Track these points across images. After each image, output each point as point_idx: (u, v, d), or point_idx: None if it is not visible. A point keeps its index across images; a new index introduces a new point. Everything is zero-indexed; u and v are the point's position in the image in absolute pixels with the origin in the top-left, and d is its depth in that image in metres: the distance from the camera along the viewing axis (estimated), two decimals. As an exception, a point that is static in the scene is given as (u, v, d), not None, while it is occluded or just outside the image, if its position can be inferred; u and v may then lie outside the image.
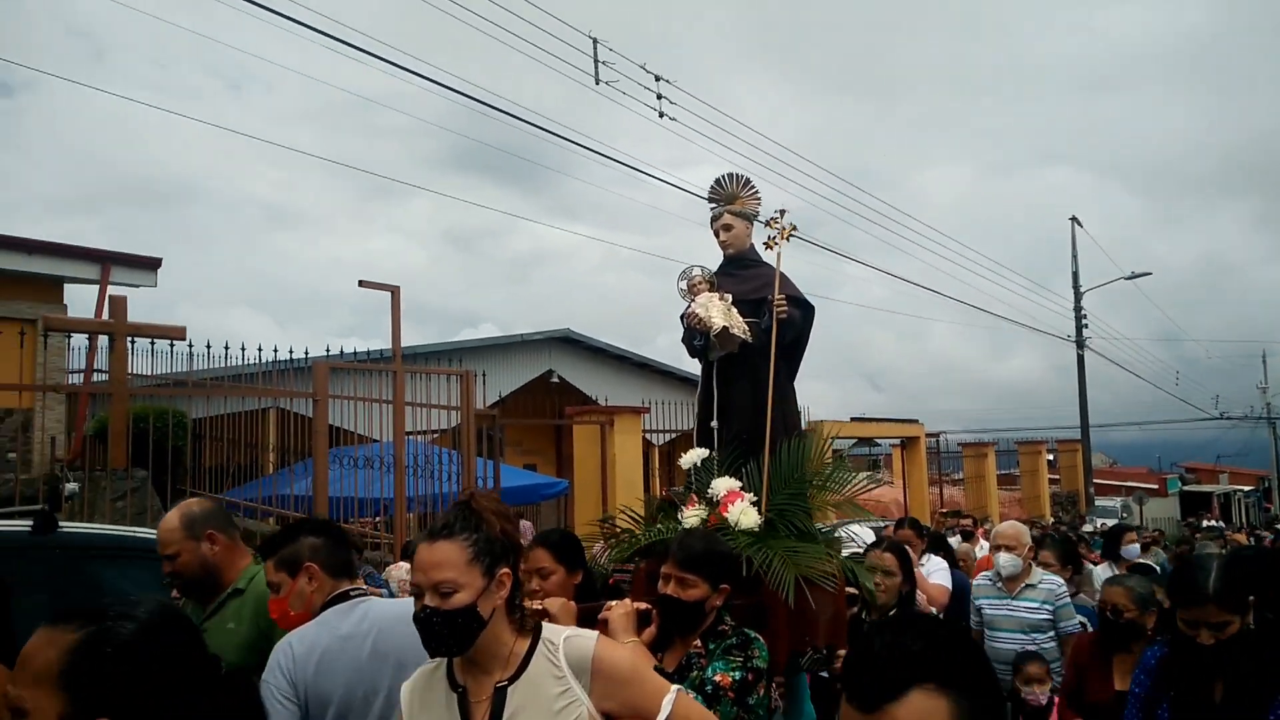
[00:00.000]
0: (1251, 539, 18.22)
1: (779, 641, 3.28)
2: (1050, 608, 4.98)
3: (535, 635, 2.08)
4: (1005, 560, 5.11)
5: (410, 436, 9.78)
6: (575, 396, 18.11)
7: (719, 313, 4.00)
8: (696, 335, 4.15)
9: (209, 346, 9.33)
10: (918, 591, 4.84)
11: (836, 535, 3.99)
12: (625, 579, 3.74)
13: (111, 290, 10.85)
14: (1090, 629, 4.78)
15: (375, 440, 9.76)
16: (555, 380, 18.97)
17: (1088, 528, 17.17)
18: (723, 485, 3.77)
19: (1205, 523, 23.75)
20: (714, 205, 4.42)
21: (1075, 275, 26.14)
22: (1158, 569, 7.02)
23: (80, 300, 11.93)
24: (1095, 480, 26.70)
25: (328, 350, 10.51)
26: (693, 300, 4.13)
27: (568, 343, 19.52)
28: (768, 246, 4.22)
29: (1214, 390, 58.27)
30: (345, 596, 2.67)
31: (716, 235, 4.37)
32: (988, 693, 1.27)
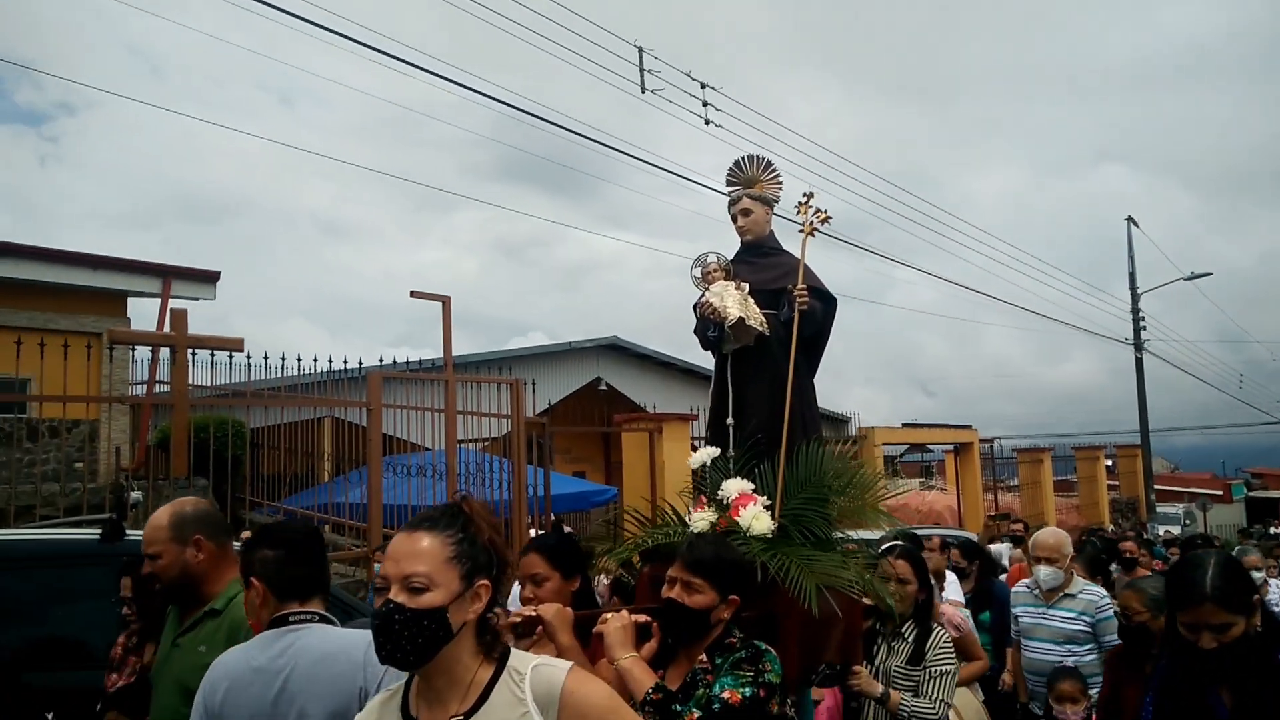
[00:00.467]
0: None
1: (790, 656, 3.07)
2: (1089, 619, 4.74)
3: (501, 662, 1.83)
4: (1045, 574, 4.87)
5: (461, 445, 9.88)
6: (623, 404, 18.14)
7: (734, 303, 3.74)
8: (710, 326, 3.88)
9: (266, 358, 9.53)
10: (938, 607, 4.48)
11: (855, 544, 3.72)
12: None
13: (172, 303, 11.13)
14: None
15: (427, 448, 9.88)
16: (603, 388, 19.03)
17: (1146, 536, 16.69)
18: (734, 487, 3.54)
19: (1273, 529, 23.02)
20: (733, 189, 4.16)
21: (1132, 276, 25.54)
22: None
23: (142, 313, 12.29)
24: (1156, 486, 26.03)
25: (380, 360, 10.68)
26: (707, 289, 3.88)
27: (615, 350, 19.59)
28: (807, 234, 3.91)
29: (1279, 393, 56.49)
30: (284, 621, 2.40)
31: (734, 220, 4.11)
32: None
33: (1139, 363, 25.15)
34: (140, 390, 11.60)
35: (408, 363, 10.97)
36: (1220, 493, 32.61)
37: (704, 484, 3.74)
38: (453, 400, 9.64)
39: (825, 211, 3.90)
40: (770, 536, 3.39)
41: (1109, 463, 24.40)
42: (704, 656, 2.63)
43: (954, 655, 3.98)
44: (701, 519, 3.57)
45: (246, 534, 2.81)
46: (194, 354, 8.68)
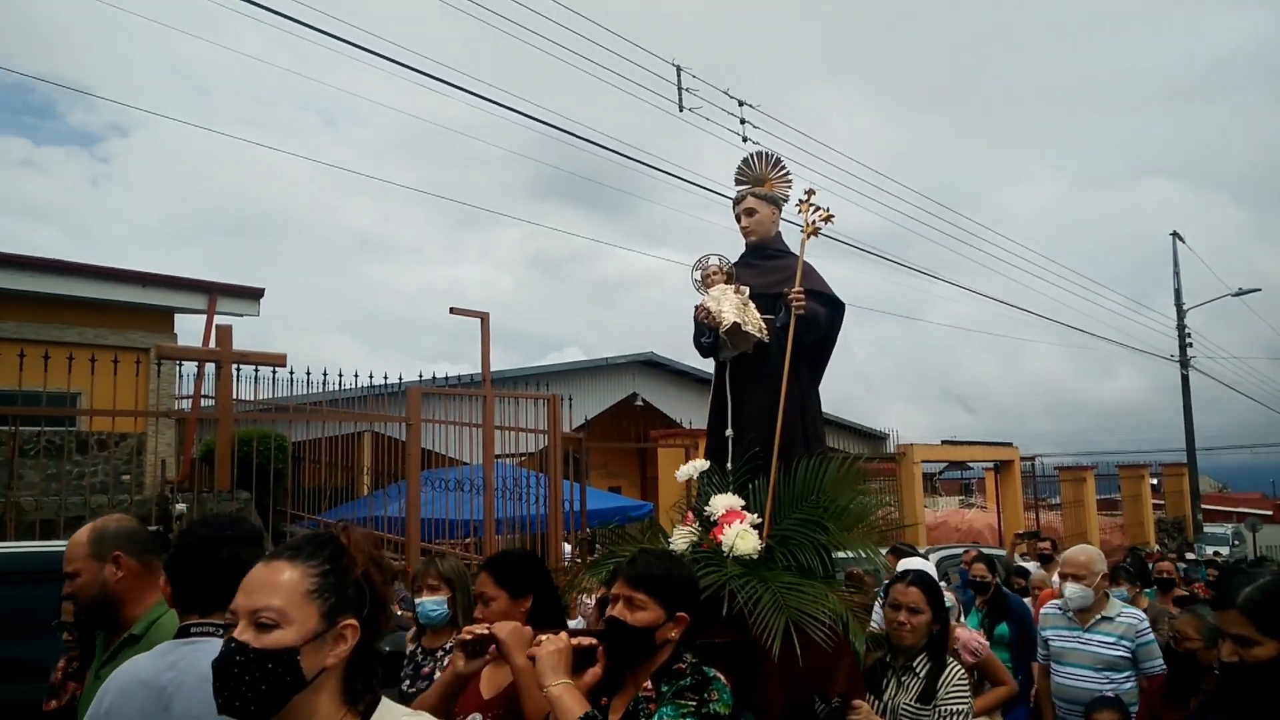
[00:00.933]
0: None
1: (772, 689, 2.83)
2: (1129, 644, 4.41)
3: (366, 716, 1.59)
4: (1073, 592, 4.56)
5: (499, 459, 9.95)
6: (659, 419, 18.17)
7: (731, 307, 3.51)
8: (705, 332, 3.65)
9: (308, 373, 9.71)
10: (954, 635, 4.12)
11: (844, 571, 3.44)
12: None
13: (218, 319, 11.37)
14: None
15: (465, 463, 9.96)
16: (639, 404, 19.07)
17: (1190, 556, 16.25)
18: (721, 503, 3.31)
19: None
20: (739, 187, 3.92)
21: (1177, 292, 25.18)
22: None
23: (188, 329, 12.56)
24: (1204, 506, 25.49)
25: (420, 375, 10.79)
26: (706, 293, 3.66)
27: (651, 366, 19.63)
28: (808, 235, 3.68)
29: (1333, 411, 54.94)
30: (185, 633, 2.20)
31: (738, 220, 3.88)
32: None
33: (1185, 380, 24.71)
34: (186, 404, 11.83)
35: (446, 378, 11.09)
36: (1270, 513, 31.88)
37: (703, 498, 3.51)
38: (490, 415, 9.71)
39: (828, 210, 3.70)
40: (754, 558, 3.16)
41: (1154, 481, 23.94)
42: (649, 684, 2.38)
43: (969, 694, 3.66)
44: (682, 537, 3.36)
45: None
46: (238, 369, 8.84)
